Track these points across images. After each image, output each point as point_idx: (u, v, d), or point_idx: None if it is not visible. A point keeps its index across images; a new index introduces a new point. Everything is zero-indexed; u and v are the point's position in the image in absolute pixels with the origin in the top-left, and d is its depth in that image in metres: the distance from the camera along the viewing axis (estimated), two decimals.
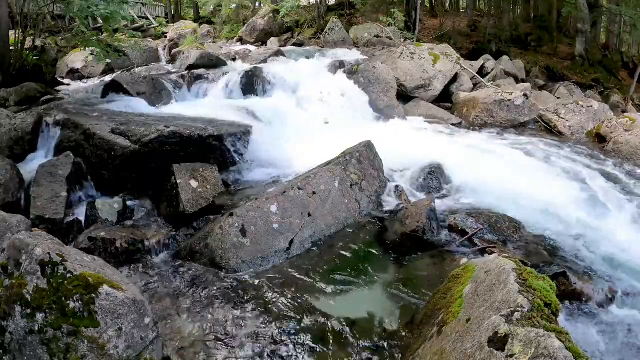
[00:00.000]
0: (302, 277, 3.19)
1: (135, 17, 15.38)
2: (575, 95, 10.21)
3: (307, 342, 2.58)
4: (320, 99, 6.94)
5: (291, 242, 3.50)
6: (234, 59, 9.24)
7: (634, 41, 18.84)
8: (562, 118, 7.40)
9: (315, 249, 3.56)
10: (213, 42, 14.43)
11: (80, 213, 3.83)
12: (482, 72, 10.15)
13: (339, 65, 8.36)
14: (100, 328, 2.06)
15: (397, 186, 4.46)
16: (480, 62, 10.78)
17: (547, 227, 3.93)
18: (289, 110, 6.45)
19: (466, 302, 2.22)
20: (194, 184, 4.01)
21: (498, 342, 1.76)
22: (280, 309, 2.84)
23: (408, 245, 3.63)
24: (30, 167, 4.16)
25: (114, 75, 8.13)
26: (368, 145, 4.51)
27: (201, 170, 4.17)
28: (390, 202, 4.29)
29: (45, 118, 4.59)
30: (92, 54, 9.62)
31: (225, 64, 8.41)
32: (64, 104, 5.37)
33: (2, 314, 1.99)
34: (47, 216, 3.51)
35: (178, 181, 3.96)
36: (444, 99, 8.52)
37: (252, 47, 12.23)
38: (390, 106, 7.44)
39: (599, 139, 6.91)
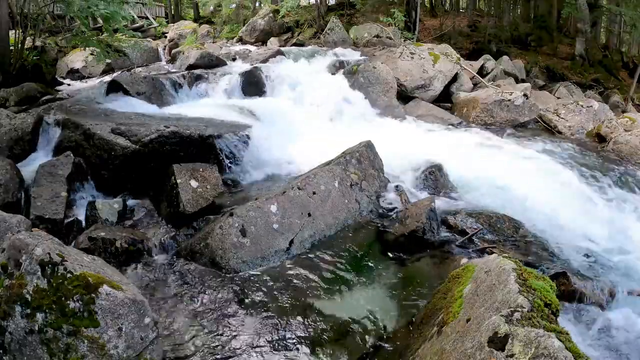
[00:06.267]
0: (302, 277, 3.19)
1: (135, 17, 15.37)
2: (575, 95, 10.20)
3: (307, 342, 2.58)
4: (320, 99, 6.94)
5: (291, 242, 3.50)
6: (234, 59, 9.23)
7: (634, 41, 18.81)
8: (562, 118, 7.40)
9: (315, 249, 3.56)
10: (213, 42, 14.41)
11: (80, 213, 3.83)
12: (482, 72, 10.14)
13: (339, 65, 8.36)
14: (100, 328, 2.06)
15: (397, 186, 4.46)
16: (480, 62, 10.76)
17: (547, 227, 3.93)
18: (288, 110, 6.45)
19: (466, 302, 2.22)
20: (194, 184, 4.01)
21: (498, 342, 1.76)
22: (280, 309, 2.84)
23: (408, 245, 3.63)
24: (30, 167, 4.16)
25: (114, 75, 8.12)
26: (368, 145, 4.51)
27: (201, 170, 4.17)
28: (390, 202, 4.28)
29: (45, 118, 4.59)
30: (92, 54, 9.63)
31: (225, 64, 8.41)
32: (64, 104, 5.37)
33: (2, 314, 1.99)
34: (47, 216, 3.51)
35: (178, 181, 3.96)
36: (444, 99, 8.52)
37: (252, 47, 12.19)
38: (390, 106, 7.44)
39: (599, 139, 6.91)
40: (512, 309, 1.86)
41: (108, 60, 8.47)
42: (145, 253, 3.43)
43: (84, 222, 3.75)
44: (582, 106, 7.53)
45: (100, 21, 8.65)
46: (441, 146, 5.77)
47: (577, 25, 14.33)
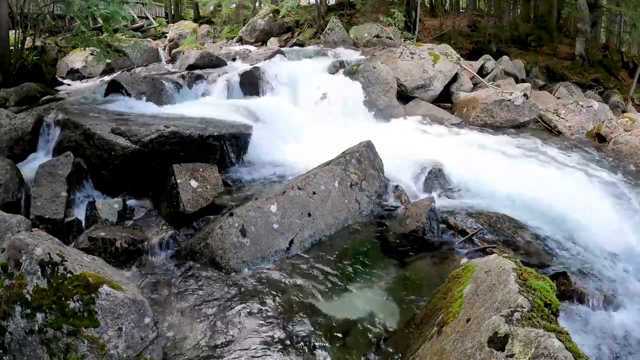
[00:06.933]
0: (302, 277, 3.19)
1: (135, 17, 15.37)
2: (575, 95, 10.19)
3: (307, 342, 2.58)
4: (320, 99, 6.94)
5: (291, 242, 3.50)
6: (234, 59, 9.23)
7: (634, 41, 18.81)
8: (562, 118, 7.40)
9: (315, 249, 3.56)
10: (213, 42, 14.42)
11: (80, 213, 3.83)
12: (482, 72, 10.13)
13: (339, 65, 8.35)
14: (100, 328, 2.06)
15: (397, 186, 4.46)
16: (480, 62, 10.75)
17: (547, 227, 3.93)
18: (288, 110, 6.45)
19: (466, 302, 2.22)
20: (194, 184, 4.01)
21: (498, 342, 1.76)
22: (280, 309, 2.84)
23: (408, 245, 3.63)
24: (30, 167, 4.16)
25: (114, 75, 8.13)
26: (368, 145, 4.51)
27: (201, 170, 4.18)
28: (390, 202, 4.28)
29: (45, 118, 4.59)
30: (92, 54, 9.63)
31: (225, 63, 8.41)
32: (64, 104, 5.36)
33: (2, 314, 1.99)
34: (47, 216, 3.52)
35: (178, 181, 3.96)
36: (444, 99, 8.51)
37: (252, 47, 12.19)
38: (390, 106, 7.43)
39: (599, 139, 6.92)
40: (512, 309, 1.86)
41: (108, 60, 8.47)
42: (145, 253, 3.43)
43: (84, 222, 3.75)
44: (582, 106, 7.53)
45: (100, 21, 8.65)
46: (441, 146, 5.77)
47: (577, 25, 14.32)
